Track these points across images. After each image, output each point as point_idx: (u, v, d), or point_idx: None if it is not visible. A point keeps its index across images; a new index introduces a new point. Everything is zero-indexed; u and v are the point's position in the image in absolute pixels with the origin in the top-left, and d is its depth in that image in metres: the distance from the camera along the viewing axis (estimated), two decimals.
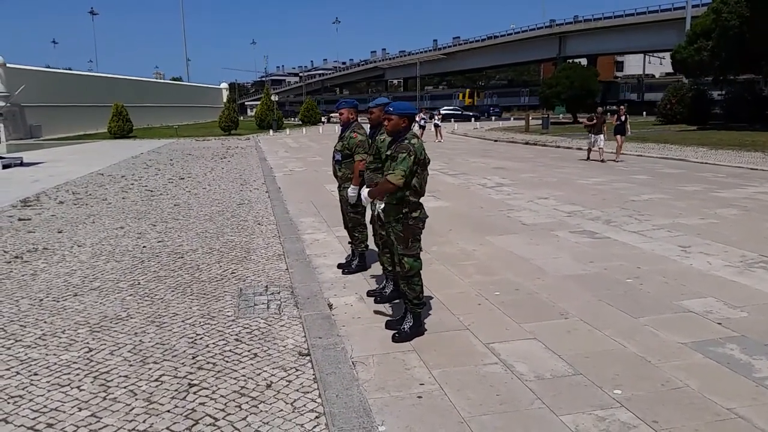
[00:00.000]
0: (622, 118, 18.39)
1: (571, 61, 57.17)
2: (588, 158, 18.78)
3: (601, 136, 17.83)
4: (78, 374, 3.95)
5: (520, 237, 7.99)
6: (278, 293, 5.57)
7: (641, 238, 7.71)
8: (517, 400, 3.61)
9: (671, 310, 5.04)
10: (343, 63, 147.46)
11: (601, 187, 12.44)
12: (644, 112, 52.52)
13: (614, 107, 30.48)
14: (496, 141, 30.10)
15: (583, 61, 61.16)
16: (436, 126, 31.25)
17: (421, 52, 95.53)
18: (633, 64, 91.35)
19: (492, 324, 4.85)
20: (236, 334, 4.59)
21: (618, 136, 18.13)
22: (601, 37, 64.77)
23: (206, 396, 3.63)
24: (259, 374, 3.90)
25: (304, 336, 4.51)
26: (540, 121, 38.91)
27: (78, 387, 3.77)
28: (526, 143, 27.54)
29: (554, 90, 43.88)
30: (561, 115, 51.10)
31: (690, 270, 6.22)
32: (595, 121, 18.02)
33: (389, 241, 4.69)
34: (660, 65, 75.90)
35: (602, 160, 17.80)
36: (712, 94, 39.99)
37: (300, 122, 60.30)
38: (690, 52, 33.94)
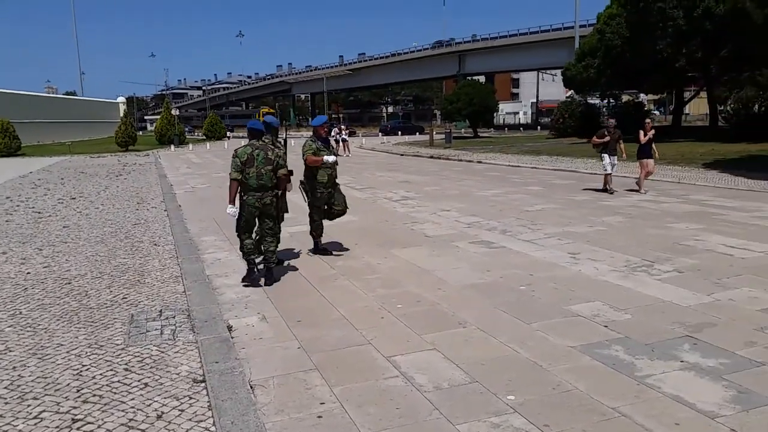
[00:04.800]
0: (651, 134, 13.11)
1: (470, 78, 59.38)
2: (606, 188, 13.47)
3: (615, 157, 13.33)
4: None
5: (423, 249, 8.14)
6: (173, 317, 5.33)
7: (534, 246, 8.07)
8: (415, 412, 3.64)
9: (561, 315, 5.29)
10: (249, 77, 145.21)
11: (499, 199, 12.93)
12: (538, 127, 55.39)
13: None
14: (402, 155, 30.63)
15: (482, 79, 63.72)
16: (343, 141, 31.34)
17: (328, 68, 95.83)
18: (528, 82, 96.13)
19: (394, 337, 4.89)
20: (126, 364, 4.34)
21: (646, 161, 13.23)
22: (497, 56, 67.66)
23: None
24: (149, 405, 3.69)
25: (200, 361, 4.34)
26: (443, 136, 40.05)
27: None
28: (431, 157, 28.23)
29: (455, 106, 45.32)
30: (463, 130, 52.82)
31: (579, 276, 6.57)
32: (608, 137, 13.19)
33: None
34: (553, 82, 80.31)
35: (609, 190, 13.34)
36: (601, 108, 42.80)
37: (204, 137, 58.56)
38: (579, 70, 36.19)
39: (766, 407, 3.57)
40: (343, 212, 7.73)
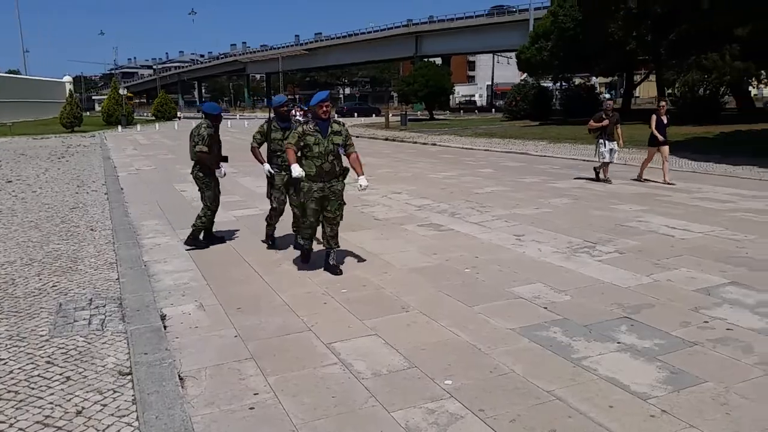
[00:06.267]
0: (664, 118, 11.82)
1: (427, 60, 59.30)
2: (599, 176, 12.30)
3: (615, 143, 12.00)
4: None
5: (372, 232, 8.05)
6: (104, 306, 5.10)
7: (481, 228, 8.08)
8: (351, 400, 3.56)
9: (503, 298, 5.29)
10: (201, 56, 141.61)
11: (451, 181, 12.93)
12: (493, 110, 55.82)
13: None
14: (357, 137, 30.38)
15: (439, 60, 63.66)
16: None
17: (284, 47, 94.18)
18: (484, 64, 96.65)
19: (335, 323, 4.80)
20: (48, 356, 4.12)
21: (655, 150, 11.96)
22: (454, 38, 67.69)
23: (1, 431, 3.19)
24: (69, 400, 3.50)
25: (128, 353, 4.15)
26: (399, 118, 39.92)
27: None
28: (386, 139, 28.10)
29: (411, 88, 45.15)
30: (419, 112, 52.81)
31: (523, 257, 6.60)
32: (606, 121, 11.86)
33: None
34: (508, 65, 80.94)
35: (606, 179, 12.13)
36: (554, 91, 43.40)
37: (153, 117, 56.90)
38: (532, 52, 36.54)
39: (695, 387, 3.62)
40: (335, 222, 6.16)
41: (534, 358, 4.08)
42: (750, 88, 33.97)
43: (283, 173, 6.83)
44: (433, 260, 6.57)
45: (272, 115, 7.09)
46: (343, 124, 6.12)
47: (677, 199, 9.95)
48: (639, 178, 12.22)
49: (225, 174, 7.50)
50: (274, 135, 6.92)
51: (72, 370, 3.90)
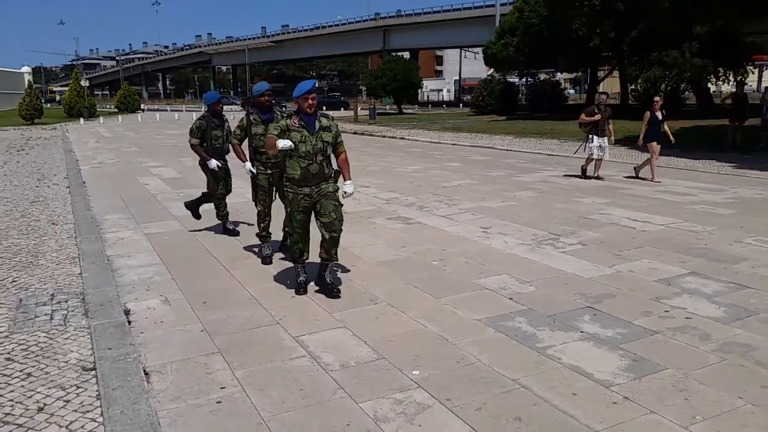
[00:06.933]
0: (658, 114, 11.48)
1: (395, 54, 59.24)
2: (587, 173, 11.87)
3: (605, 139, 11.56)
4: None
5: None
6: (66, 301, 4.99)
7: (449, 221, 8.15)
8: (320, 393, 3.57)
9: (470, 289, 5.35)
10: (166, 47, 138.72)
11: (419, 175, 12.99)
12: (461, 104, 56.18)
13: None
14: None
15: (407, 55, 63.68)
16: None
17: (250, 39, 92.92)
18: (451, 59, 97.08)
19: (304, 316, 4.79)
20: (8, 353, 4.01)
21: (653, 144, 11.52)
22: (422, 32, 67.75)
23: None
24: (30, 397, 3.42)
25: (92, 348, 4.07)
26: (367, 112, 39.82)
27: None
28: (354, 133, 28.01)
29: (380, 81, 45.11)
30: (388, 106, 52.85)
31: (489, 249, 6.68)
32: (598, 116, 11.40)
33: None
34: (475, 60, 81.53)
35: (597, 176, 11.70)
36: (520, 86, 43.86)
37: (116, 110, 55.64)
38: (499, 48, 36.87)
39: (656, 374, 3.73)
40: (333, 228, 5.13)
41: (500, 348, 4.14)
42: (709, 85, 34.91)
43: (269, 171, 6.21)
44: (401, 253, 6.60)
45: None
46: (332, 119, 5.26)
47: (639, 192, 10.19)
48: (652, 179, 11.31)
49: (216, 167, 7.20)
50: (255, 129, 6.19)
51: (33, 367, 3.81)
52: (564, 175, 12.45)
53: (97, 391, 3.50)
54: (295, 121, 5.00)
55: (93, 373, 3.72)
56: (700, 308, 4.80)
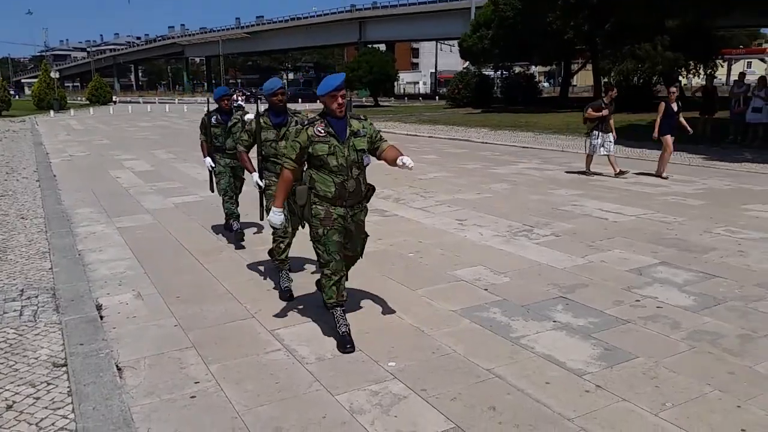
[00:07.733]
0: (674, 105, 10.89)
1: (371, 46, 59.05)
2: (589, 171, 11.40)
3: (611, 135, 11.01)
4: None
5: None
6: (36, 297, 4.90)
7: (425, 213, 8.18)
8: (295, 386, 3.56)
9: (445, 281, 5.39)
10: (138, 38, 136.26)
11: (395, 167, 12.95)
12: (437, 97, 56.32)
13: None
14: None
15: (383, 47, 63.52)
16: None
17: (224, 30, 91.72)
18: (427, 52, 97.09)
19: (279, 310, 4.76)
20: None
21: (667, 138, 10.90)
22: (397, 24, 67.62)
23: None
24: None
25: (63, 344, 4.01)
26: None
27: None
28: None
29: (356, 74, 44.94)
30: (364, 99, 52.70)
31: (464, 241, 6.73)
32: (605, 111, 10.85)
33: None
34: (451, 53, 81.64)
35: (621, 171, 10.97)
36: (495, 79, 44.07)
37: (87, 102, 54.57)
38: (474, 41, 36.96)
39: (627, 363, 3.79)
40: (353, 260, 4.57)
41: (474, 338, 4.18)
42: (680, 78, 35.46)
43: None
44: (377, 245, 6.59)
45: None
46: (365, 118, 4.33)
47: (611, 184, 10.33)
48: (659, 175, 10.90)
49: (210, 166, 6.93)
50: (266, 135, 5.15)
51: (2, 364, 3.74)
52: (566, 171, 12.21)
53: (68, 387, 3.44)
54: (321, 129, 3.98)
55: (64, 369, 3.66)
56: (671, 297, 4.90)
